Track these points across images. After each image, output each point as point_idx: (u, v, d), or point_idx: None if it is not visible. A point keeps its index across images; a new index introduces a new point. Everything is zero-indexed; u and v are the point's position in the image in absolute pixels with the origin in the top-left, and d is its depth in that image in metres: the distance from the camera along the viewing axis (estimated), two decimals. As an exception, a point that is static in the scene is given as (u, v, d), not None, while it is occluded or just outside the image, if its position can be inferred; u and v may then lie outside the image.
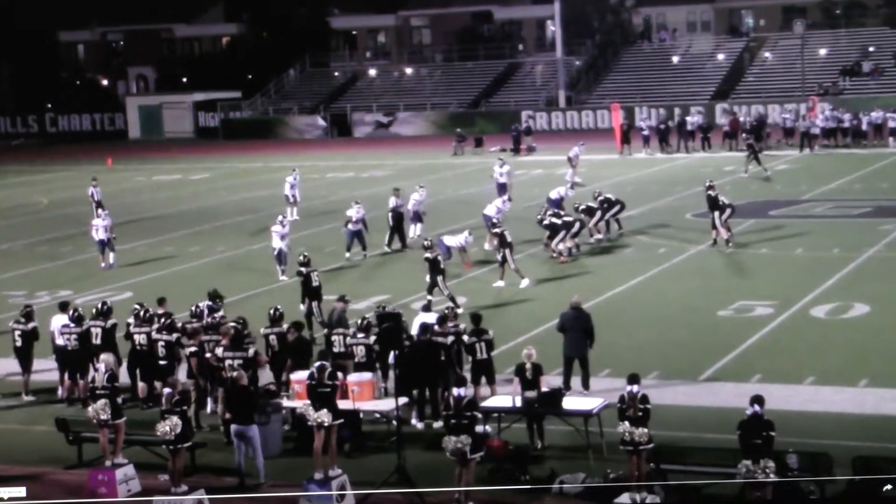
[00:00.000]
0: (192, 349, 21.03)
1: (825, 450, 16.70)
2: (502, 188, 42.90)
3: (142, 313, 22.33)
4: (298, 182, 44.52)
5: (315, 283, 26.49)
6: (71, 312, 22.67)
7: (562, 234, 33.12)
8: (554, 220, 33.42)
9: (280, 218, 33.21)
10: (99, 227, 35.30)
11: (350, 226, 34.33)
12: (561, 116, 77.99)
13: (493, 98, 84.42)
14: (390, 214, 36.35)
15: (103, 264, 34.97)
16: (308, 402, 17.75)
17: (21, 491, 15.88)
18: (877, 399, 20.20)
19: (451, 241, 32.57)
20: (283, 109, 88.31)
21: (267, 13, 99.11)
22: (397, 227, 36.30)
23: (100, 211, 35.94)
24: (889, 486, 15.12)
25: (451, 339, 20.40)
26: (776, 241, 34.49)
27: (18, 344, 22.97)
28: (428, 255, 27.94)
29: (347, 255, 34.21)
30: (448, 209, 42.71)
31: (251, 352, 20.17)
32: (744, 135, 55.85)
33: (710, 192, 34.23)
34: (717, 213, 33.66)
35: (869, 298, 26.97)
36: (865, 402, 20.13)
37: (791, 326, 25.34)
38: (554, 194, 36.54)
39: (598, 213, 35.48)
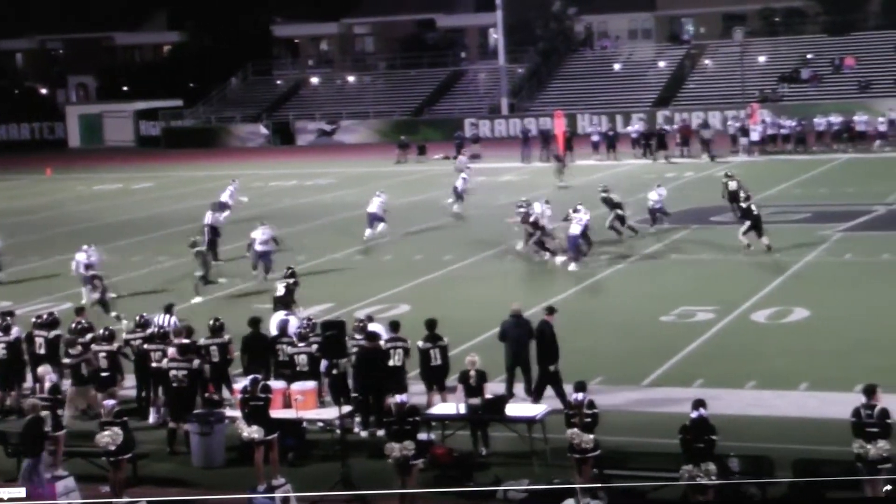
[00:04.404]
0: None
1: (766, 453, 16.86)
2: (454, 192, 43.80)
3: (74, 325, 22.19)
4: (237, 191, 44.73)
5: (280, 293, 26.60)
6: None
7: (536, 235, 33.56)
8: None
9: (260, 225, 33.24)
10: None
11: (257, 247, 32.98)
12: (504, 124, 78.23)
13: (436, 106, 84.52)
14: (206, 229, 36.20)
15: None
16: (241, 415, 17.71)
17: (21, 491, 15.72)
18: (817, 402, 20.40)
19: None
20: (225, 118, 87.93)
21: (209, 21, 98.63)
22: (213, 242, 36.01)
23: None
24: (889, 487, 15.21)
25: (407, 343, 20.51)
26: (717, 247, 34.76)
27: None
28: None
29: (264, 274, 33.06)
30: (394, 215, 42.45)
31: (195, 363, 20.04)
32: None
33: (603, 194, 36.46)
34: (614, 214, 35.85)
35: (809, 303, 27.25)
36: (806, 406, 20.33)
37: (732, 331, 25.55)
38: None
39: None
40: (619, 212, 36.37)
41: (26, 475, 17.28)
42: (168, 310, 23.66)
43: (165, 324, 22.96)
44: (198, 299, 30.51)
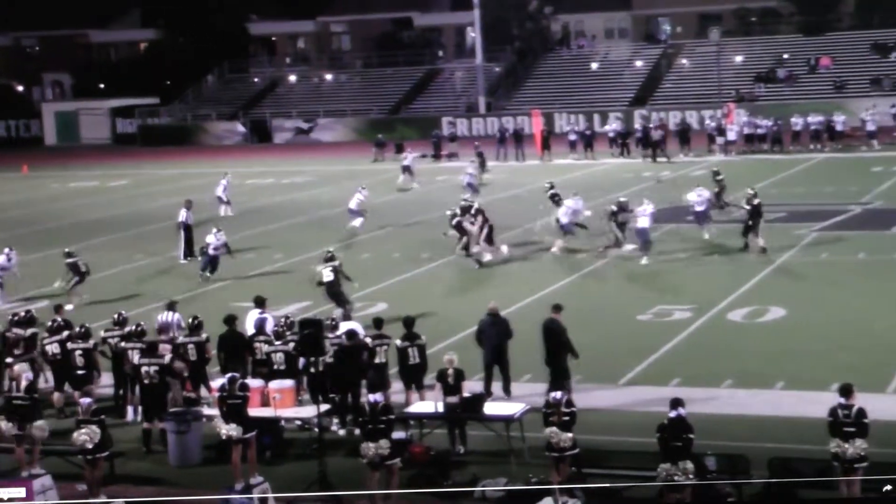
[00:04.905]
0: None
1: (742, 452, 16.93)
2: (471, 188, 44.96)
3: (51, 322, 22.08)
4: (230, 184, 46.14)
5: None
6: None
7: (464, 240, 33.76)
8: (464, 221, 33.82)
9: (215, 230, 33.17)
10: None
11: (212, 251, 32.69)
12: (481, 122, 78.25)
13: (413, 104, 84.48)
14: (181, 227, 36.31)
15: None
16: (219, 414, 17.69)
17: (21, 491, 15.66)
18: (792, 401, 20.47)
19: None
20: (201, 116, 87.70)
21: (184, 19, 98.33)
22: (188, 239, 36.16)
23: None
24: (889, 487, 15.28)
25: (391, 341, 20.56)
26: (694, 246, 34.83)
27: None
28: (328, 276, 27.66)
29: (207, 274, 32.74)
30: (371, 213, 42.53)
31: (167, 359, 20.00)
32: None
33: (552, 190, 37.28)
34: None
35: (785, 302, 27.36)
36: (781, 404, 20.40)
37: (709, 330, 25.63)
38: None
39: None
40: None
41: None
42: (171, 307, 23.49)
43: (169, 320, 22.81)
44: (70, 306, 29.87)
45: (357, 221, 39.07)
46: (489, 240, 33.84)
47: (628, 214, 33.62)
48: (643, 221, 32.95)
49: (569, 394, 19.09)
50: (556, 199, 37.07)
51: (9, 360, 21.26)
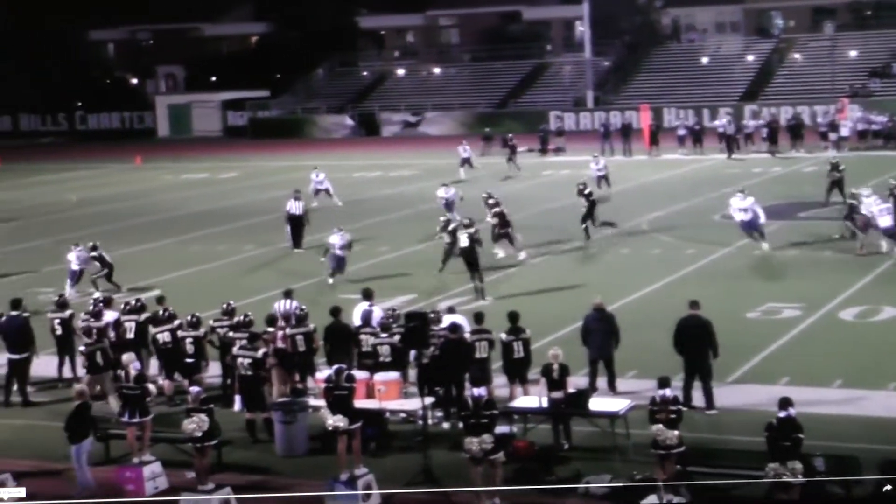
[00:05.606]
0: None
1: (852, 453, 16.63)
2: (600, 181, 44.90)
3: (161, 312, 22.43)
4: (325, 178, 46.72)
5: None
6: (91, 307, 22.90)
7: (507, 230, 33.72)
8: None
9: (337, 229, 32.40)
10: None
11: (338, 251, 31.84)
12: (589, 117, 77.86)
13: (520, 98, 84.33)
14: (288, 217, 36.71)
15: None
16: (326, 405, 17.82)
17: (21, 491, 15.94)
18: (905, 403, 20.10)
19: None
20: (311, 109, 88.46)
21: (295, 12, 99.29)
22: (296, 230, 36.57)
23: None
24: (889, 487, 15.01)
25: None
26: (805, 244, 34.30)
27: (59, 332, 23.18)
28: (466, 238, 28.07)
29: (331, 280, 31.67)
30: (478, 207, 42.54)
31: (261, 352, 20.16)
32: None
33: (586, 190, 36.36)
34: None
35: (898, 301, 26.84)
36: (893, 406, 20.01)
37: (819, 329, 25.23)
38: None
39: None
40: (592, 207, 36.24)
41: (76, 461, 17.59)
42: (288, 295, 23.62)
43: (287, 308, 22.93)
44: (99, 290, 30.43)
45: (455, 216, 38.83)
46: (508, 238, 33.61)
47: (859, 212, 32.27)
48: (886, 220, 31.41)
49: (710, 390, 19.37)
50: (588, 196, 36.17)
51: (81, 347, 21.71)
